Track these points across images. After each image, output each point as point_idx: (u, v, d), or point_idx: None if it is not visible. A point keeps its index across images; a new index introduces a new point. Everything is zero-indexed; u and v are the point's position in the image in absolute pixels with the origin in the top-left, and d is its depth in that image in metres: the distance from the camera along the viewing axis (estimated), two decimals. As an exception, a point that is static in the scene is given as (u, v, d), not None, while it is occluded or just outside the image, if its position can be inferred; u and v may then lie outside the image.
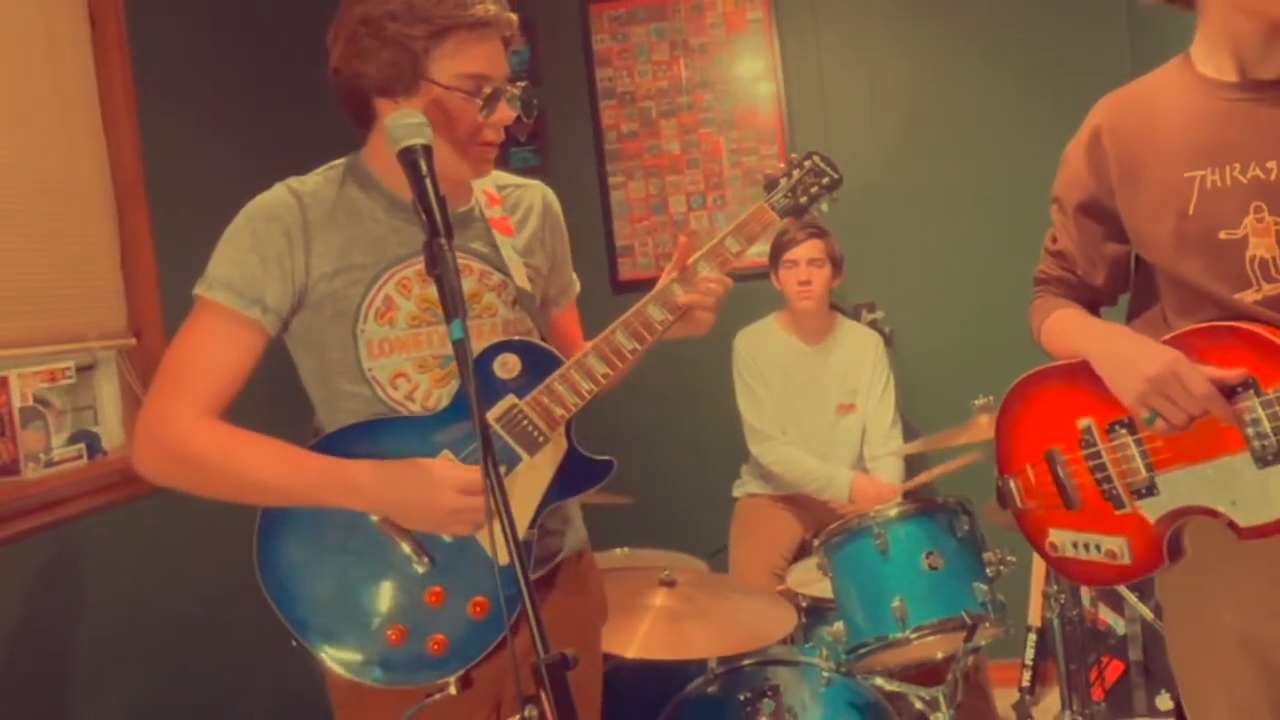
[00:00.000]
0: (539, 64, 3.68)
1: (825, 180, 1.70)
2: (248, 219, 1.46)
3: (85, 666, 2.19)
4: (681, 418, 3.65)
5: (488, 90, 1.45)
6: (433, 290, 1.26)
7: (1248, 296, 1.40)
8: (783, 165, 1.71)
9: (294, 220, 1.45)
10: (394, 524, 1.43)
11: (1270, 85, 1.41)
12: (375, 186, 1.51)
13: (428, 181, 1.29)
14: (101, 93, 2.43)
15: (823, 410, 3.13)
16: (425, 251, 1.24)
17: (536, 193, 1.68)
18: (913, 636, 2.12)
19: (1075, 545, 1.58)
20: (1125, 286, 1.64)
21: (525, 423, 1.47)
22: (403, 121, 1.32)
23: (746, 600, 2.47)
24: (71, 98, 2.36)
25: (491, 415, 1.46)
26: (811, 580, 2.59)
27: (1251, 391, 1.37)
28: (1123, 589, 2.81)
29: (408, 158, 1.31)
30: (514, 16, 1.49)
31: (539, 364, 1.50)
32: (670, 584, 2.38)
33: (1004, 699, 3.06)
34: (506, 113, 1.48)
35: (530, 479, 1.48)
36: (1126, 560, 1.52)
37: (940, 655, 2.29)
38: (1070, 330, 1.59)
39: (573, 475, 1.52)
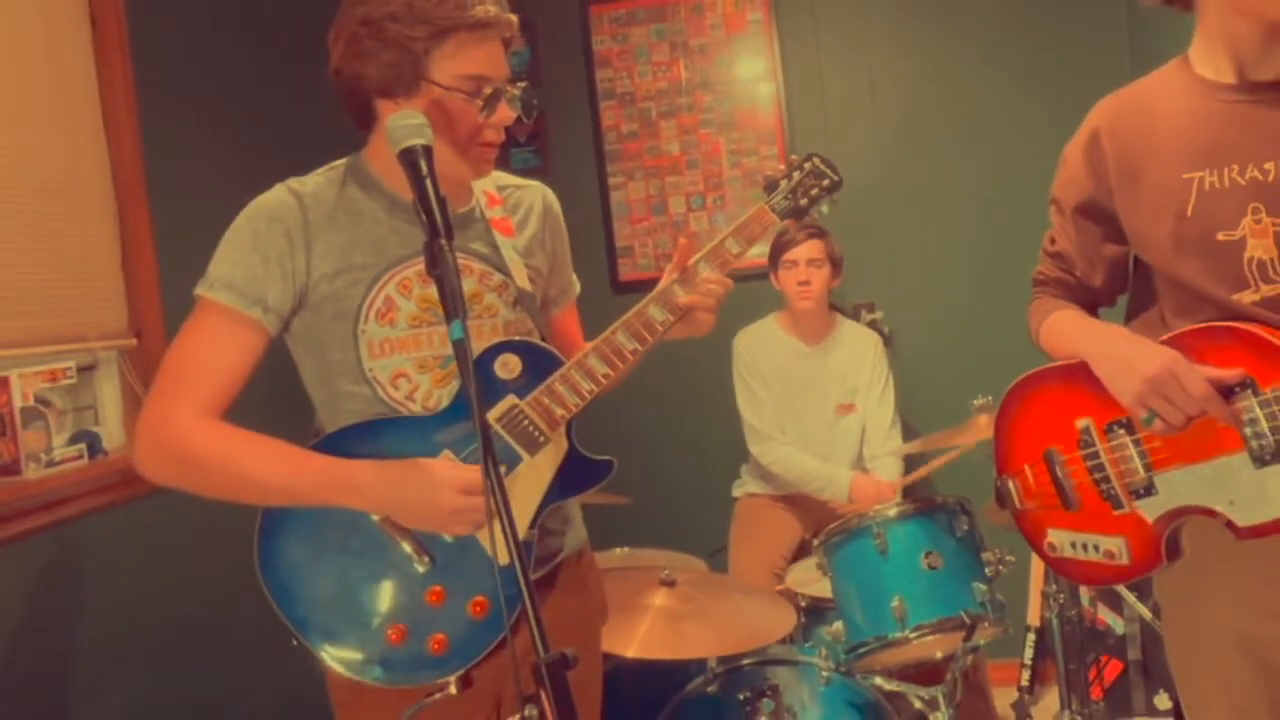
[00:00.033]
0: (539, 65, 3.68)
1: (825, 182, 1.70)
2: (249, 219, 1.46)
3: (86, 666, 2.19)
4: (681, 418, 3.65)
5: (488, 91, 1.45)
6: (433, 291, 1.26)
7: (1246, 298, 1.41)
8: (783, 167, 1.71)
9: (295, 221, 1.45)
10: (395, 523, 1.43)
11: (1268, 87, 1.42)
12: (376, 187, 1.51)
13: (428, 182, 1.29)
14: (102, 93, 2.43)
15: (822, 410, 3.13)
16: (425, 252, 1.25)
17: (537, 193, 1.68)
18: (912, 636, 2.13)
19: (1074, 545, 1.59)
20: (1124, 288, 1.64)
21: (526, 423, 1.48)
22: (403, 122, 1.33)
23: (746, 600, 2.47)
24: (72, 98, 2.36)
25: (492, 415, 1.46)
26: (811, 580, 2.60)
27: (1249, 391, 1.37)
28: (1121, 589, 2.81)
29: (408, 158, 1.31)
30: (514, 17, 1.49)
31: (540, 364, 1.50)
32: (670, 584, 2.38)
33: (1003, 698, 3.07)
34: (507, 113, 1.48)
35: (531, 479, 1.49)
36: (1125, 560, 1.53)
37: (939, 655, 2.30)
38: (1068, 331, 1.59)
39: (573, 475, 1.52)
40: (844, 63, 3.58)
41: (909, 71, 3.55)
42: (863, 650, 2.18)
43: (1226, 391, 1.38)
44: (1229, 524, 1.41)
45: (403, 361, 1.48)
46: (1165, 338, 1.45)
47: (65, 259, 2.31)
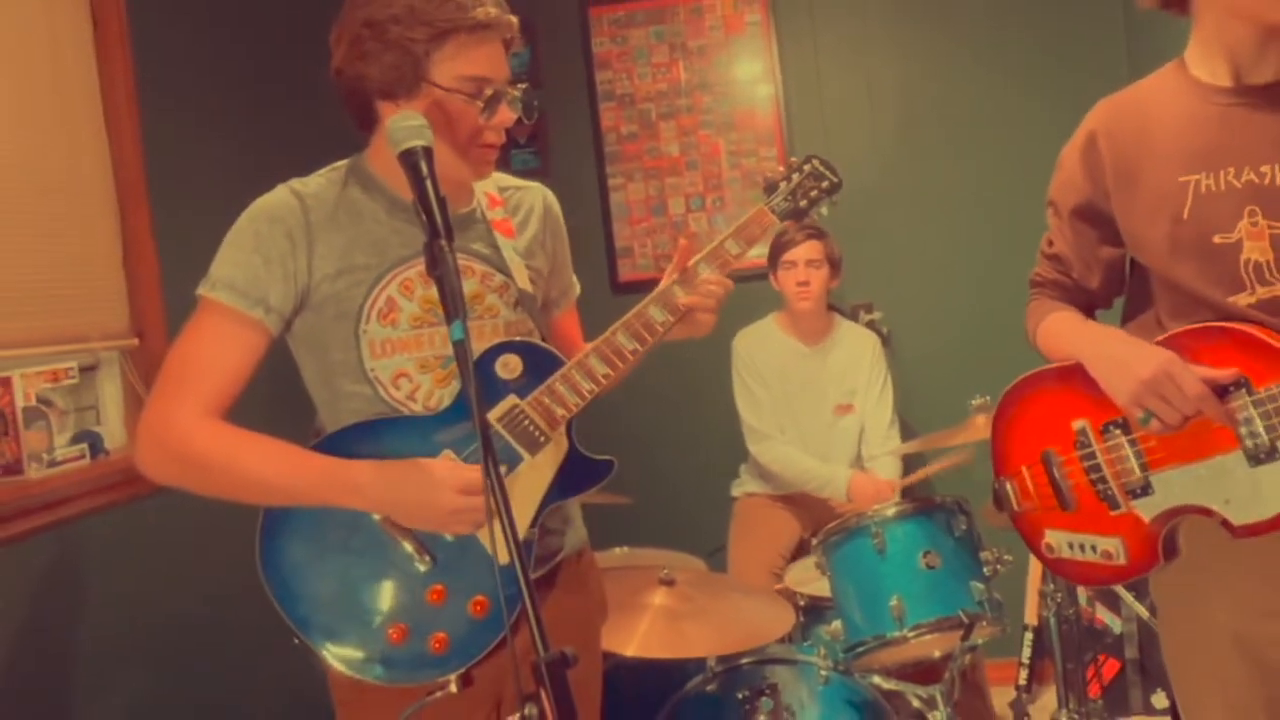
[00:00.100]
0: (539, 66, 3.69)
1: (825, 184, 1.70)
2: (251, 220, 1.47)
3: (88, 666, 2.20)
4: (681, 418, 3.66)
5: (489, 92, 1.46)
6: (435, 291, 1.27)
7: (1242, 300, 1.42)
8: (782, 168, 1.71)
9: (296, 221, 1.46)
10: (396, 523, 1.44)
11: (1264, 90, 1.42)
12: (377, 188, 1.52)
13: (428, 183, 1.30)
14: (103, 93, 2.43)
15: (821, 410, 3.14)
16: (426, 253, 1.25)
17: (537, 195, 1.69)
18: (910, 635, 2.13)
19: (1071, 546, 1.59)
20: (1120, 289, 1.65)
21: (526, 423, 1.48)
22: (403, 123, 1.33)
23: (745, 599, 2.48)
24: (73, 98, 2.37)
25: (493, 415, 1.47)
26: (810, 579, 2.60)
27: (1243, 391, 1.38)
28: (1119, 588, 2.82)
29: (408, 159, 1.32)
30: (514, 19, 1.50)
31: (540, 364, 1.50)
32: (669, 583, 2.39)
33: (1001, 697, 3.07)
34: (507, 115, 1.49)
35: (531, 479, 1.49)
36: (1122, 560, 1.53)
37: (937, 654, 2.30)
38: (1065, 333, 1.60)
39: (573, 475, 1.52)
40: (842, 64, 3.59)
41: (907, 73, 3.56)
42: (861, 649, 2.19)
43: (1221, 391, 1.39)
44: (1225, 523, 1.41)
45: (404, 361, 1.49)
46: (1160, 338, 1.46)
47: (67, 259, 2.31)
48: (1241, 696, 1.47)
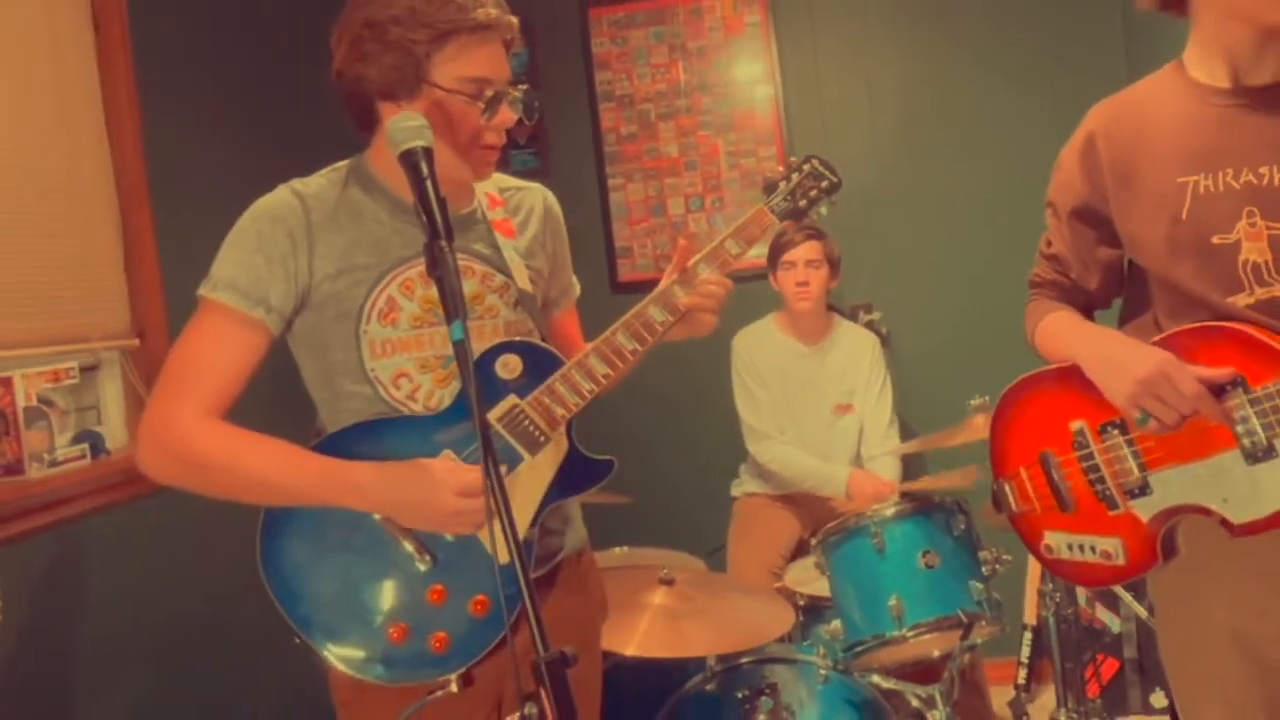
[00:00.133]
0: (538, 67, 3.69)
1: (824, 184, 1.71)
2: (252, 220, 1.47)
3: (89, 666, 2.20)
4: (681, 418, 3.66)
5: (489, 93, 1.46)
6: (435, 291, 1.27)
7: (1240, 300, 1.42)
8: (782, 169, 1.71)
9: (297, 222, 1.46)
10: (396, 523, 1.44)
11: (1262, 91, 1.43)
12: (378, 188, 1.52)
13: (428, 184, 1.30)
14: (104, 94, 2.44)
15: (820, 410, 3.15)
16: (426, 253, 1.26)
17: (537, 195, 1.69)
18: (909, 635, 2.14)
19: (1070, 547, 1.60)
20: (1119, 291, 1.65)
21: (526, 422, 1.49)
22: (404, 124, 1.34)
23: (744, 599, 2.48)
24: (74, 99, 2.37)
25: (493, 415, 1.47)
26: (809, 579, 2.61)
27: (1240, 390, 1.38)
28: (1118, 587, 2.82)
29: (409, 160, 1.32)
30: (514, 20, 1.50)
31: (540, 364, 1.51)
32: (669, 583, 2.39)
33: (1000, 696, 3.08)
34: (508, 115, 1.49)
35: (531, 478, 1.50)
36: (1121, 561, 1.54)
37: (936, 653, 2.31)
38: (1063, 334, 1.60)
39: (573, 475, 1.53)
40: (841, 65, 3.60)
41: (906, 74, 3.56)
42: (860, 649, 2.19)
43: (1218, 390, 1.39)
44: (1223, 522, 1.42)
45: (404, 361, 1.49)
46: (1156, 338, 1.46)
47: (68, 260, 2.32)
48: (1240, 695, 1.47)
